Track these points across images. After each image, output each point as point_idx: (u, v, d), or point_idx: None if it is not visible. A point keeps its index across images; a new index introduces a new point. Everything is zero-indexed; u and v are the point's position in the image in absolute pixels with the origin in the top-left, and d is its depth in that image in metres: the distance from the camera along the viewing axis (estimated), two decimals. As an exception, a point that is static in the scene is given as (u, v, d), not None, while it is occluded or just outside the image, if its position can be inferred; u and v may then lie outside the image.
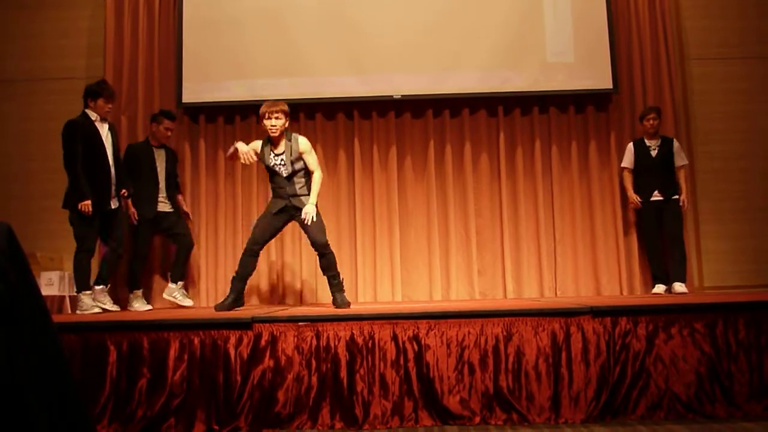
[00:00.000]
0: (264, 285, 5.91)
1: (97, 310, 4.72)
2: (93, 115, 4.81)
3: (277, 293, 5.90)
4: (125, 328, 3.18)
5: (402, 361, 3.10)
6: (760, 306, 3.18)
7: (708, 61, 6.18)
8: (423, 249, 5.92)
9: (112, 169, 4.83)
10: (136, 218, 5.33)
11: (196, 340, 3.12)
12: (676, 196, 5.54)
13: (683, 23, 6.25)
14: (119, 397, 3.07)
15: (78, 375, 3.07)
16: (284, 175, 4.33)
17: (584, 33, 5.92)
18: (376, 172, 5.97)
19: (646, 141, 5.65)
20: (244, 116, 6.06)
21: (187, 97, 5.92)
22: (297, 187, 4.35)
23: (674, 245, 5.48)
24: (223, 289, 5.85)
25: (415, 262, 5.89)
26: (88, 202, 4.59)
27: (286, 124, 4.35)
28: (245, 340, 3.13)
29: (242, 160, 4.26)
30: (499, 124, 6.04)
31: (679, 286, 5.36)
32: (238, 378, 3.08)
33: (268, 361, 3.11)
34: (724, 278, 5.91)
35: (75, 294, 4.84)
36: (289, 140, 4.34)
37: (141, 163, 5.34)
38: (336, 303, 4.26)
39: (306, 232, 4.38)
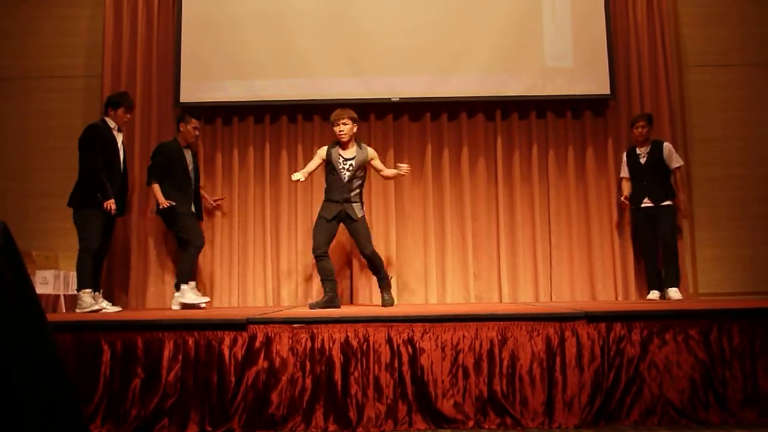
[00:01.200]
0: (259, 287, 5.90)
1: (96, 308, 4.76)
2: (112, 124, 5.01)
3: (273, 295, 5.89)
4: (119, 327, 3.17)
5: (396, 364, 3.10)
6: (755, 313, 3.19)
7: (706, 69, 6.20)
8: (419, 252, 5.93)
9: (119, 176, 5.01)
10: (168, 205, 5.20)
11: (191, 341, 3.12)
12: (668, 202, 5.51)
13: (682, 31, 6.27)
14: (113, 396, 3.06)
15: (72, 374, 3.06)
16: (345, 180, 4.65)
17: (583, 38, 5.94)
18: (373, 175, 5.97)
19: (636, 149, 5.68)
20: (242, 117, 6.06)
21: (185, 97, 5.92)
22: (352, 194, 4.69)
23: (667, 251, 5.47)
24: (220, 290, 5.86)
25: (411, 265, 5.89)
26: (113, 201, 4.78)
27: (354, 129, 4.74)
28: (240, 341, 3.12)
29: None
30: (497, 128, 6.05)
31: (673, 292, 5.37)
32: (232, 379, 3.08)
33: (262, 363, 3.10)
34: (719, 285, 5.92)
35: (75, 292, 4.88)
36: (360, 147, 4.72)
37: (174, 162, 5.32)
38: (383, 301, 4.68)
39: (354, 239, 4.79)
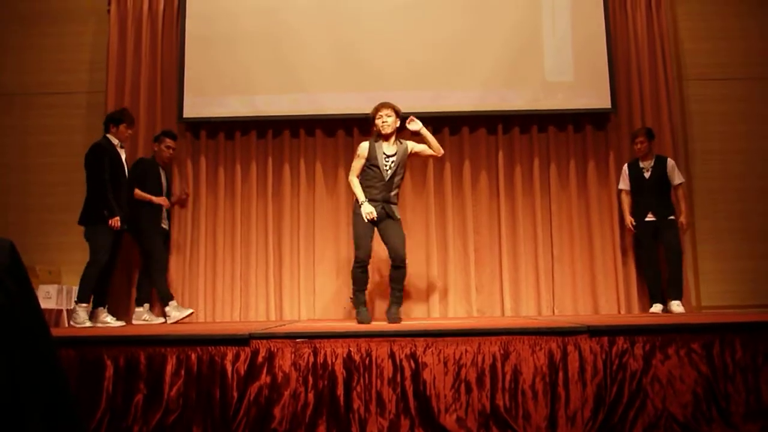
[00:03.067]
0: (262, 301, 5.90)
1: (89, 324, 4.77)
2: (114, 140, 5.06)
3: (275, 309, 5.89)
4: (122, 342, 3.17)
5: (399, 379, 3.09)
6: (757, 326, 3.18)
7: (707, 82, 6.23)
8: (421, 266, 5.93)
9: (123, 191, 5.07)
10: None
11: (193, 356, 3.12)
12: (671, 216, 5.54)
13: (683, 45, 6.31)
14: (115, 412, 3.06)
15: (74, 390, 3.06)
16: (387, 177, 4.38)
17: (583, 52, 5.97)
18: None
19: (639, 162, 5.68)
20: (244, 132, 6.09)
21: (188, 112, 5.95)
22: (392, 193, 4.43)
23: (673, 263, 5.48)
24: (222, 305, 5.86)
25: (413, 279, 5.89)
26: (118, 218, 4.84)
27: (397, 124, 4.46)
28: (242, 356, 3.12)
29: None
30: (498, 143, 6.07)
31: (675, 306, 5.38)
32: (235, 394, 3.07)
33: (264, 378, 3.10)
34: (721, 298, 5.92)
35: (73, 304, 4.91)
36: (401, 143, 4.47)
37: (149, 178, 5.45)
38: (391, 316, 4.34)
39: (387, 243, 4.42)
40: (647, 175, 5.61)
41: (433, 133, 6.03)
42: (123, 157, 5.10)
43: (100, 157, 4.93)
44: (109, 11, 6.19)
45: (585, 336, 3.16)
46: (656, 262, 5.62)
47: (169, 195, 5.66)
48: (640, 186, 5.64)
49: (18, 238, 5.06)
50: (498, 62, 5.97)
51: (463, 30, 6.00)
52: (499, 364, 3.11)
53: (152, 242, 5.38)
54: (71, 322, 4.81)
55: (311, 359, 3.12)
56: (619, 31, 6.16)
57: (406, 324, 4.04)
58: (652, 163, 5.62)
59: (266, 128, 6.08)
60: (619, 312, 5.78)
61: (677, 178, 5.62)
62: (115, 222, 4.82)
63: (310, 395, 3.08)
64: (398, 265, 4.37)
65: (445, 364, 3.12)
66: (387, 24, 6.04)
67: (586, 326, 3.21)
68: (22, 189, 6.18)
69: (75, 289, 5.63)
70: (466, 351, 3.13)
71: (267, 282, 5.90)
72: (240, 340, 3.15)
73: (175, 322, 5.24)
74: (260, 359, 3.12)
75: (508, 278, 5.86)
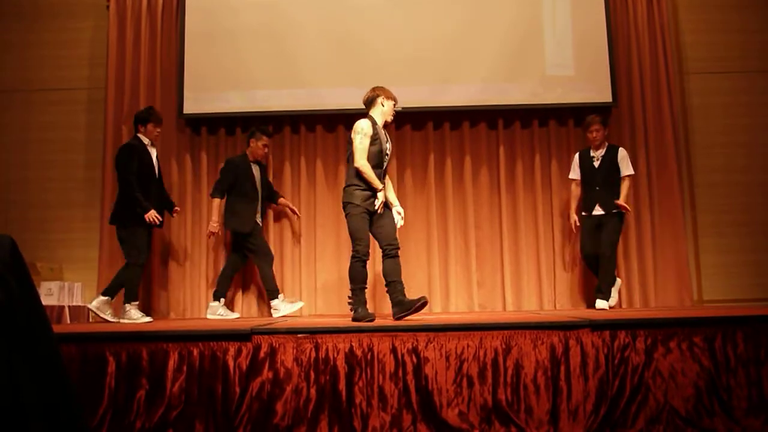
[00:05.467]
0: (263, 297, 5.90)
1: (147, 319, 4.92)
2: (145, 140, 5.13)
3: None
4: (124, 338, 3.18)
5: (401, 374, 3.10)
6: (759, 320, 3.18)
7: (709, 75, 6.21)
8: (422, 261, 5.93)
9: (155, 189, 5.12)
10: (214, 232, 5.50)
11: (196, 352, 3.12)
12: (616, 210, 5.20)
13: (684, 38, 6.29)
14: (118, 408, 3.06)
15: (77, 386, 3.07)
16: (385, 164, 4.30)
17: (584, 46, 5.96)
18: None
19: (591, 151, 5.38)
20: (245, 128, 6.08)
21: (189, 108, 5.95)
22: (386, 179, 4.36)
23: (605, 260, 5.14)
24: (225, 302, 5.85)
25: (415, 274, 5.89)
26: (153, 211, 4.90)
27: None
28: (244, 352, 3.13)
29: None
30: (499, 137, 6.06)
31: (602, 304, 5.09)
32: (237, 389, 3.08)
33: (266, 373, 3.10)
34: (723, 292, 5.91)
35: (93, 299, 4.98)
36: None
37: (240, 178, 5.46)
38: (396, 312, 4.04)
39: (381, 231, 4.17)
40: (596, 163, 5.30)
41: (434, 128, 6.08)
42: (154, 155, 5.17)
43: (129, 157, 4.98)
44: (108, 7, 6.18)
45: (587, 330, 3.16)
46: (596, 258, 5.25)
47: (264, 192, 5.65)
48: (590, 176, 5.32)
49: (18, 234, 5.07)
50: (498, 56, 5.96)
51: (464, 24, 5.99)
52: (500, 359, 3.11)
53: (255, 239, 5.43)
54: (123, 319, 4.90)
55: (313, 354, 3.13)
56: (619, 24, 6.14)
57: (407, 319, 4.04)
58: (603, 152, 5.31)
59: (267, 124, 6.06)
60: (621, 306, 5.78)
61: (626, 168, 5.25)
62: (151, 216, 4.87)
63: (312, 390, 3.08)
64: (393, 254, 4.12)
65: (447, 358, 3.12)
66: (387, 19, 6.02)
67: (588, 320, 3.21)
68: (23, 186, 6.18)
69: (77, 285, 5.69)
70: (468, 345, 3.13)
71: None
72: (242, 336, 3.16)
73: (283, 317, 5.24)
74: (262, 354, 3.13)
75: (510, 273, 5.86)
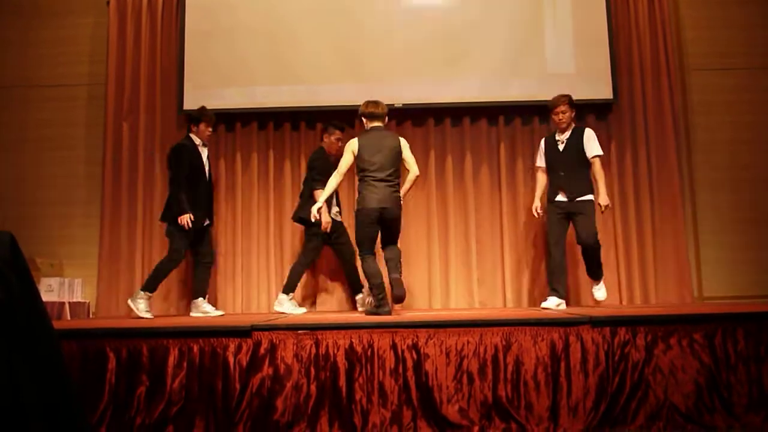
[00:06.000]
0: (263, 293, 5.91)
1: (149, 315, 4.89)
2: (197, 140, 5.18)
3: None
4: (124, 335, 3.18)
5: (401, 370, 3.10)
6: (760, 317, 3.18)
7: (710, 72, 6.19)
8: (423, 257, 5.92)
9: (204, 189, 5.14)
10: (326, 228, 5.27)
11: (196, 348, 3.12)
12: (586, 197, 4.77)
13: (685, 33, 6.27)
14: (118, 404, 3.07)
15: (77, 382, 3.07)
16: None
17: (584, 43, 5.95)
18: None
19: (555, 135, 5.00)
20: (245, 124, 6.07)
21: (189, 104, 5.93)
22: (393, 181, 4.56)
23: (587, 256, 4.81)
24: (224, 297, 5.86)
25: (415, 271, 5.89)
26: (187, 216, 4.89)
27: (385, 121, 4.67)
28: (244, 348, 3.13)
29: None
30: (500, 134, 6.05)
31: (597, 290, 4.92)
32: (237, 386, 3.08)
33: (267, 369, 3.11)
34: (724, 289, 5.90)
35: (141, 292, 4.97)
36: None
37: (326, 170, 5.28)
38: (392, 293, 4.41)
39: (387, 231, 4.61)
40: (561, 147, 4.89)
41: (435, 125, 6.07)
42: (205, 155, 5.20)
43: (180, 157, 5.04)
44: (108, 3, 6.17)
45: (587, 326, 3.16)
46: (561, 250, 4.82)
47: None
48: (554, 161, 4.92)
49: (18, 231, 5.07)
50: (499, 53, 5.94)
51: (464, 21, 5.98)
52: (501, 355, 3.12)
53: (312, 236, 5.36)
54: (132, 305, 4.91)
55: (313, 350, 3.13)
56: (620, 21, 6.13)
57: (407, 315, 4.05)
58: (568, 135, 4.89)
59: (267, 121, 6.07)
60: (621, 303, 5.78)
61: (593, 149, 4.81)
62: (183, 219, 4.88)
63: (313, 386, 3.09)
64: (396, 258, 4.60)
65: (447, 355, 3.12)
66: (386, 15, 6.01)
67: (588, 317, 3.21)
68: (22, 182, 6.17)
69: (77, 281, 5.69)
70: (468, 342, 3.13)
71: (269, 274, 5.90)
72: (242, 332, 3.16)
73: (281, 313, 5.21)
74: (262, 351, 3.13)
75: (510, 270, 5.85)
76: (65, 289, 5.55)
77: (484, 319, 3.27)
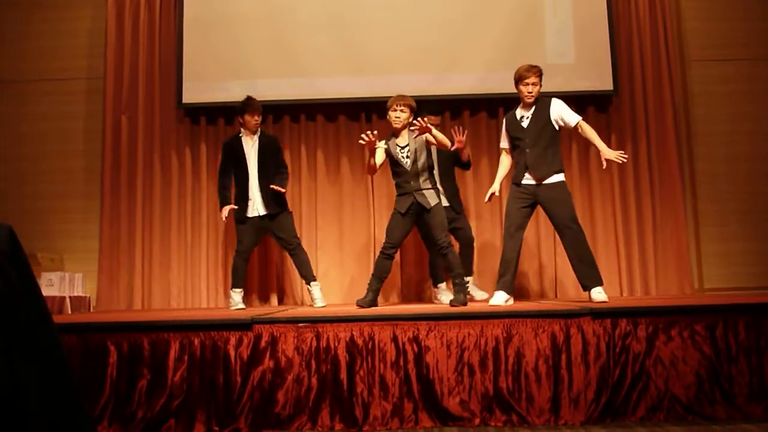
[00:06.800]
0: (264, 286, 5.91)
1: (241, 306, 4.98)
2: (243, 131, 5.15)
3: (278, 294, 5.90)
4: (125, 328, 3.18)
5: (402, 363, 3.10)
6: (761, 308, 3.18)
7: (710, 63, 6.17)
8: (423, 250, 5.91)
9: (252, 179, 5.04)
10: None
11: (197, 341, 3.12)
12: (556, 178, 4.22)
13: (686, 25, 6.25)
14: (119, 398, 3.07)
15: (78, 376, 3.07)
16: (409, 167, 4.32)
17: (585, 34, 5.93)
18: (377, 173, 5.97)
19: (517, 111, 4.43)
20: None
21: (188, 97, 5.93)
22: (422, 179, 4.33)
23: (569, 244, 4.23)
24: (224, 289, 5.86)
25: (415, 263, 5.88)
26: (224, 209, 5.08)
27: (410, 119, 4.41)
28: (245, 341, 3.13)
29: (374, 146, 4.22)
30: (500, 126, 6.01)
31: (596, 293, 4.11)
32: (238, 379, 3.08)
33: (268, 362, 3.11)
34: (725, 280, 5.90)
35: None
36: (413, 133, 4.37)
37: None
38: (452, 300, 4.05)
39: (428, 229, 4.33)
40: (525, 124, 4.33)
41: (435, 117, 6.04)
42: (250, 146, 5.08)
43: (222, 153, 5.20)
44: (106, -4, 6.16)
45: (588, 318, 3.16)
46: (516, 244, 4.28)
47: None
48: (519, 140, 4.34)
49: (18, 225, 5.07)
50: (498, 44, 5.92)
51: (464, 12, 5.95)
52: (501, 347, 3.12)
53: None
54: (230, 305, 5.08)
55: (314, 343, 3.13)
56: (620, 12, 6.10)
57: (408, 308, 4.04)
58: (533, 109, 4.32)
59: (267, 113, 6.03)
60: (622, 294, 5.78)
61: (571, 115, 4.28)
62: (223, 212, 5.05)
63: (314, 379, 3.09)
64: (441, 250, 4.23)
65: (448, 347, 3.12)
66: (387, 7, 5.99)
67: (589, 309, 3.21)
68: (20, 177, 6.16)
69: (78, 276, 5.69)
70: (469, 334, 3.13)
71: (269, 267, 5.90)
72: (243, 325, 3.16)
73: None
74: (263, 344, 3.13)
75: (510, 262, 5.85)
76: (66, 284, 5.55)
77: (484, 311, 3.28)
